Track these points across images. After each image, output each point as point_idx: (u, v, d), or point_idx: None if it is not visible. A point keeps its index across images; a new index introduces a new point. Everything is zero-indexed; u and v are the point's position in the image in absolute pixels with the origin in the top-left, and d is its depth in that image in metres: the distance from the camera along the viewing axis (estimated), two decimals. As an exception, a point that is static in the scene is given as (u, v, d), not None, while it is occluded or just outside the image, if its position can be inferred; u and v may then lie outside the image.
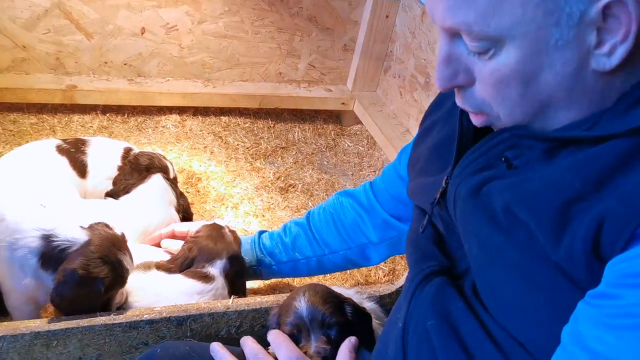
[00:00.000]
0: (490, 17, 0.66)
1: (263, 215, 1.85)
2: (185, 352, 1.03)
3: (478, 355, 0.76)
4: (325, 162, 2.20)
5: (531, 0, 0.64)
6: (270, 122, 2.28)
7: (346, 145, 2.31)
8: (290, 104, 2.26)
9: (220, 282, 1.33)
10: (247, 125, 2.23)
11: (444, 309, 0.81)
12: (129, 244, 1.23)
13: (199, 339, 1.16)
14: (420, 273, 0.87)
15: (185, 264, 1.35)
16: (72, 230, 1.16)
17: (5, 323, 1.08)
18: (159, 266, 1.34)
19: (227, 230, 1.43)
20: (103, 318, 1.11)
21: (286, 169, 2.09)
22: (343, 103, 2.31)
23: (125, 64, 2.06)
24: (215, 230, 1.42)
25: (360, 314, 1.15)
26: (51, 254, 1.14)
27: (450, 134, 0.90)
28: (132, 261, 1.20)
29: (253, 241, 1.45)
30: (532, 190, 0.70)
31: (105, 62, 2.04)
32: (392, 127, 2.16)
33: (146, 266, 1.34)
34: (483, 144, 0.81)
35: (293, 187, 2.02)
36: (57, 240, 1.15)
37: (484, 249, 0.76)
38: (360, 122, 2.34)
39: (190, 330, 1.16)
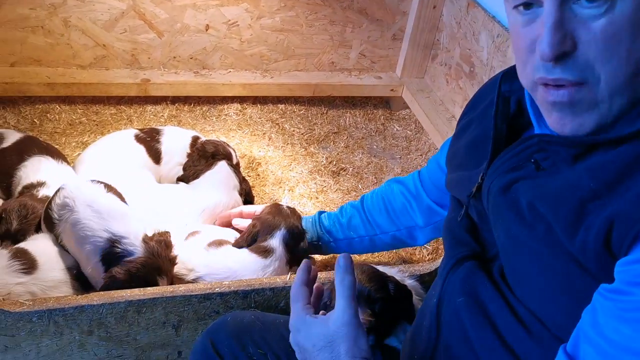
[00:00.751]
0: None
1: (316, 198, 2.02)
2: (250, 320, 1.21)
3: (503, 329, 0.86)
4: (374, 146, 2.34)
5: None
6: (323, 109, 2.44)
7: (395, 129, 2.44)
8: (342, 91, 2.41)
9: (279, 252, 1.52)
10: (302, 112, 2.40)
11: (472, 289, 0.92)
12: (196, 226, 1.44)
13: (261, 309, 1.35)
14: (453, 257, 1.00)
15: (250, 238, 1.55)
16: (133, 243, 1.36)
17: (103, 292, 1.31)
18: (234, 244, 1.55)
19: (285, 207, 1.62)
20: (182, 289, 1.31)
21: (338, 154, 2.25)
22: (392, 89, 2.44)
23: (191, 58, 2.26)
24: (275, 207, 1.61)
25: (402, 290, 1.31)
26: (110, 256, 1.35)
27: (485, 134, 0.99)
28: (169, 282, 1.40)
29: (313, 220, 1.62)
30: (553, 189, 0.79)
31: (174, 57, 2.24)
32: (438, 113, 2.28)
33: (218, 243, 1.54)
34: (515, 146, 0.90)
35: (344, 170, 2.18)
36: (119, 248, 1.35)
37: (511, 239, 0.86)
38: (408, 107, 2.46)
39: (254, 301, 1.35)
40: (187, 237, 1.59)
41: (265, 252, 1.52)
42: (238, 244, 1.55)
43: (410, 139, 2.39)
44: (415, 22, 2.32)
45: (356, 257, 1.75)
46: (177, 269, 1.45)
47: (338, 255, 1.65)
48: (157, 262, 1.38)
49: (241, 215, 1.72)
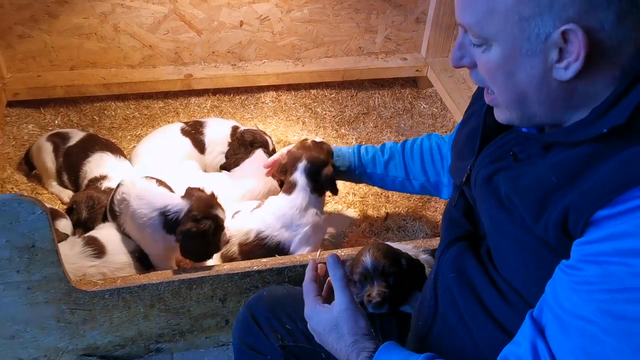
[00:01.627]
0: (483, 23, 0.87)
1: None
2: (283, 294, 1.42)
3: (486, 299, 1.02)
4: (402, 125, 2.49)
5: (511, 19, 0.84)
6: (352, 91, 2.60)
7: (422, 107, 2.58)
8: (369, 74, 2.56)
9: (302, 182, 1.71)
10: (332, 95, 2.57)
11: (461, 266, 1.09)
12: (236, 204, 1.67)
13: (294, 284, 1.56)
14: (448, 238, 1.17)
15: (280, 170, 1.77)
16: (177, 204, 1.58)
17: (160, 272, 1.55)
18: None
19: (310, 141, 1.77)
20: (226, 268, 1.55)
21: (367, 133, 2.42)
22: (417, 70, 2.58)
23: (228, 52, 2.46)
24: (301, 142, 1.79)
25: (414, 264, 1.49)
26: (170, 224, 1.58)
27: (478, 128, 1.18)
28: (224, 211, 1.63)
29: (353, 151, 1.79)
30: (523, 182, 0.94)
31: (213, 52, 2.44)
32: (460, 92, 2.41)
33: (257, 207, 1.79)
34: (498, 141, 1.06)
35: (373, 150, 2.35)
36: (169, 213, 1.58)
37: (493, 223, 1.02)
38: (434, 86, 2.60)
39: (287, 277, 1.57)
40: (233, 215, 1.81)
41: (291, 188, 1.73)
42: (274, 177, 1.80)
43: (436, 116, 2.53)
44: (437, 5, 2.43)
45: (368, 241, 1.94)
46: (238, 238, 1.69)
47: (370, 184, 1.80)
48: (204, 199, 1.60)
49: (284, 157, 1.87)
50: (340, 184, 2.17)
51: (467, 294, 1.06)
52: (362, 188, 2.16)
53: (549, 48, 0.84)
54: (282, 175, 1.77)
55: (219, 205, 1.63)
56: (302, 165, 1.72)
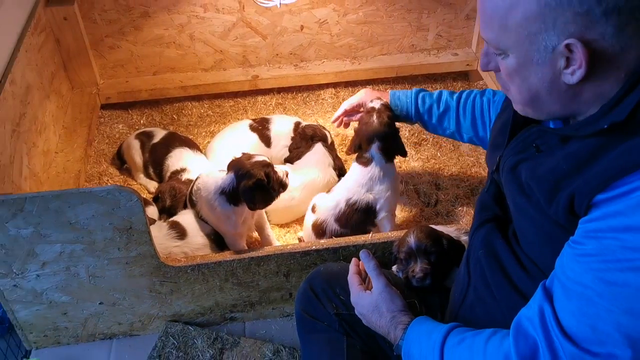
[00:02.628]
0: (499, 38, 1.02)
1: (400, 167, 2.38)
2: (338, 270, 1.63)
3: (510, 271, 1.19)
4: (454, 117, 2.64)
5: (522, 34, 0.98)
6: (406, 86, 2.77)
7: (473, 99, 2.72)
8: (422, 70, 2.72)
9: (377, 158, 1.94)
10: (387, 89, 2.75)
11: (489, 244, 1.26)
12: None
13: (347, 261, 1.76)
14: (479, 219, 1.34)
15: (355, 146, 2.00)
16: (225, 178, 1.82)
17: (233, 251, 1.80)
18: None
19: (374, 118, 1.94)
20: (289, 248, 1.78)
21: (419, 126, 2.58)
22: (468, 64, 2.72)
23: (291, 54, 2.69)
24: (367, 116, 1.97)
25: (454, 245, 1.66)
26: (231, 195, 1.81)
27: (508, 121, 1.34)
28: (262, 155, 1.87)
29: (410, 99, 1.98)
30: (540, 171, 1.06)
31: (277, 54, 2.68)
32: (509, 84, 2.53)
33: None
34: (523, 133, 1.21)
35: (425, 141, 2.52)
36: (225, 189, 1.81)
37: (516, 206, 1.17)
38: (484, 79, 2.73)
39: (342, 256, 1.78)
40: (313, 207, 2.05)
41: (367, 162, 1.97)
42: (348, 150, 2.08)
43: (486, 108, 2.66)
44: (486, 2, 2.55)
45: (411, 224, 2.12)
46: (332, 214, 1.94)
47: None
48: (238, 161, 1.84)
49: (347, 113, 2.11)
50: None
51: (494, 268, 1.22)
52: (415, 177, 2.34)
53: (557, 57, 0.97)
54: (356, 151, 2.01)
55: (253, 155, 1.86)
56: (376, 146, 1.94)
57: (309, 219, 2.02)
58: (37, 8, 2.26)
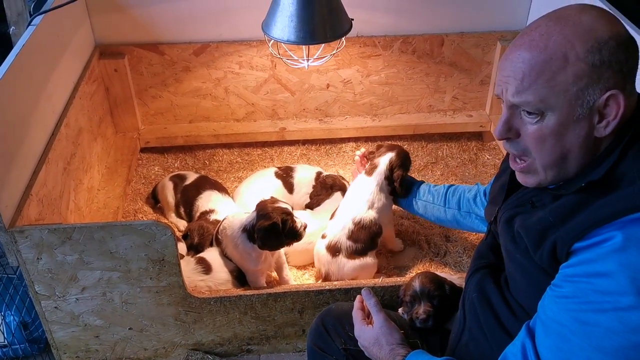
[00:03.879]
0: (543, 98, 1.07)
1: (413, 217, 2.53)
2: (348, 309, 1.73)
3: (500, 314, 1.30)
4: (467, 173, 2.80)
5: (570, 91, 1.05)
6: (423, 143, 2.96)
7: (485, 158, 2.89)
8: (438, 129, 2.91)
9: (381, 167, 2.17)
10: (405, 146, 2.90)
11: (482, 288, 1.39)
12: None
13: (358, 301, 1.92)
14: (475, 266, 1.46)
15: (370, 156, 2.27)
16: (249, 217, 2.01)
17: (253, 287, 1.96)
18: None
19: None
20: (304, 287, 1.93)
21: (434, 180, 2.75)
22: (481, 125, 2.90)
23: (316, 109, 2.91)
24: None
25: (456, 290, 1.79)
26: (251, 234, 1.98)
27: (506, 181, 1.48)
28: (287, 204, 2.03)
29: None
30: (530, 221, 1.18)
31: (304, 109, 2.90)
32: (519, 146, 2.69)
33: None
34: (520, 192, 1.35)
35: (438, 195, 2.68)
36: (248, 226, 1.99)
37: (507, 253, 1.29)
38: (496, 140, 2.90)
39: (353, 296, 1.93)
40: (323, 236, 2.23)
41: (372, 169, 2.19)
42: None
43: (498, 166, 2.81)
44: (499, 70, 2.75)
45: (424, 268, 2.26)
46: (343, 234, 2.14)
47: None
48: (264, 203, 2.02)
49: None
50: (407, 224, 2.51)
51: (486, 310, 1.35)
52: (427, 228, 2.49)
53: (594, 112, 1.07)
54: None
55: (278, 201, 2.03)
56: (388, 155, 2.22)
57: (321, 245, 2.20)
58: (92, 60, 2.53)
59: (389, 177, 2.19)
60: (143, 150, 2.87)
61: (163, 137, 2.83)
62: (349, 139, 2.95)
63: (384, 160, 2.21)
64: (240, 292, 1.92)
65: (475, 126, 2.91)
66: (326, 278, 2.14)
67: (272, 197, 2.08)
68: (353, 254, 2.14)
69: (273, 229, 1.95)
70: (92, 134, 2.49)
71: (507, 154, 1.56)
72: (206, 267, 2.07)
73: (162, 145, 2.87)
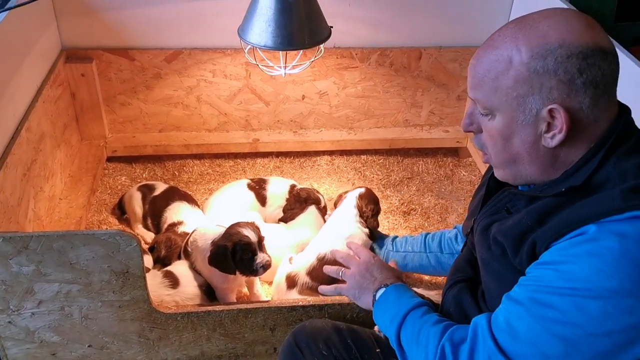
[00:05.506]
0: (489, 98, 1.11)
1: (388, 234, 2.48)
2: (322, 326, 1.68)
3: None
4: (442, 189, 2.77)
5: (510, 95, 1.08)
6: (399, 158, 2.91)
7: (462, 174, 2.86)
8: (414, 143, 2.88)
9: (350, 198, 2.19)
10: (380, 161, 2.89)
11: (459, 302, 1.37)
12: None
13: (334, 319, 1.84)
14: (451, 279, 1.45)
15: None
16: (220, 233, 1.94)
17: (221, 305, 1.87)
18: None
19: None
20: (276, 303, 1.85)
21: (410, 196, 2.70)
22: (458, 141, 2.88)
23: (291, 121, 2.84)
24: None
25: (436, 307, 1.75)
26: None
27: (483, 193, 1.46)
28: (255, 234, 1.92)
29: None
30: (507, 226, 1.18)
31: (278, 121, 2.83)
32: (496, 162, 2.68)
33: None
34: (494, 199, 1.33)
35: (414, 210, 2.63)
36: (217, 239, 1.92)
37: (482, 261, 1.28)
38: (472, 156, 2.88)
39: (327, 313, 1.85)
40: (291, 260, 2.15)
41: (339, 199, 2.22)
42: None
43: (474, 183, 2.79)
44: (476, 85, 2.74)
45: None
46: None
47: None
48: (230, 228, 1.93)
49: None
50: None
51: (462, 323, 1.29)
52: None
53: (539, 121, 1.08)
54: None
55: (251, 228, 1.93)
56: (359, 190, 2.22)
57: (283, 272, 2.11)
58: (57, 64, 2.42)
59: (360, 208, 2.15)
60: (110, 159, 2.76)
61: (131, 146, 2.73)
62: (324, 152, 2.89)
63: (352, 199, 2.18)
64: (208, 307, 1.82)
65: (452, 142, 2.88)
66: None
67: (252, 223, 1.98)
68: (307, 290, 2.05)
69: (222, 253, 1.89)
70: (56, 140, 2.37)
71: (487, 169, 1.56)
72: (173, 281, 1.97)
73: (130, 155, 2.76)
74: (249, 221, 1.98)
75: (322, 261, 2.03)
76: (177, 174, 2.76)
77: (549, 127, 1.08)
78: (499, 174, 1.24)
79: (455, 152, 2.97)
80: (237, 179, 2.68)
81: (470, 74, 1.16)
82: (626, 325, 0.96)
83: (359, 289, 1.57)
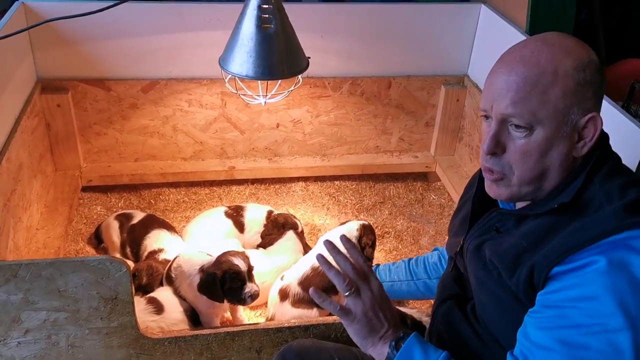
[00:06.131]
0: (536, 111, 1.11)
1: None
2: (309, 345, 1.72)
3: (467, 341, 1.31)
4: (414, 213, 2.86)
5: (559, 107, 1.11)
6: (371, 183, 3.00)
7: (431, 198, 2.96)
8: (385, 169, 2.97)
9: (354, 227, 2.24)
10: (353, 186, 2.98)
11: (450, 320, 1.41)
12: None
13: (319, 338, 1.88)
14: (440, 297, 1.50)
15: None
16: (209, 261, 1.98)
17: (208, 328, 1.89)
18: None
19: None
20: (262, 325, 1.88)
21: (383, 220, 2.79)
22: (427, 166, 2.99)
23: (266, 149, 2.90)
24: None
25: (416, 324, 1.82)
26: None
27: (469, 212, 1.50)
28: (244, 263, 1.97)
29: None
30: (502, 248, 1.20)
31: (253, 149, 2.89)
32: (464, 185, 2.78)
33: None
34: (483, 220, 1.33)
35: (387, 233, 2.71)
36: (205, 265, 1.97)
37: (477, 282, 1.28)
38: (441, 180, 2.99)
39: (312, 333, 1.89)
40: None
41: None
42: None
43: (443, 206, 2.90)
44: (443, 112, 2.88)
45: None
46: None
47: None
48: (219, 257, 1.98)
49: None
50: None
51: (455, 341, 1.37)
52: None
53: (574, 131, 1.13)
54: None
55: (240, 257, 1.98)
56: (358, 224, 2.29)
57: (276, 286, 2.17)
58: (34, 95, 2.43)
59: (360, 236, 2.23)
60: (85, 189, 2.76)
61: (107, 176, 2.73)
62: (298, 179, 2.96)
63: (356, 224, 2.26)
64: (196, 331, 1.84)
65: (421, 167, 2.99)
66: (272, 320, 2.11)
67: (242, 252, 2.04)
68: (299, 302, 2.10)
69: (212, 280, 1.93)
70: (32, 171, 2.37)
71: (469, 184, 1.63)
72: (158, 307, 1.98)
73: (106, 184, 2.76)
74: (239, 251, 2.03)
75: (316, 271, 2.08)
76: (153, 202, 2.77)
77: (580, 137, 1.14)
78: (506, 194, 1.23)
79: (424, 177, 3.08)
80: (213, 206, 2.72)
81: (509, 90, 1.14)
82: None
83: (368, 329, 1.27)
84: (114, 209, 2.68)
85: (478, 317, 1.33)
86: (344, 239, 1.38)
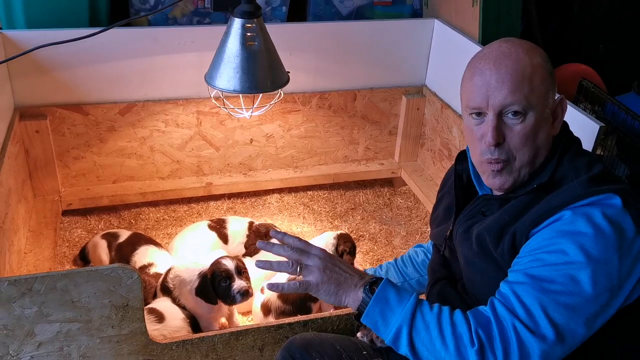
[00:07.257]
0: (528, 97, 1.28)
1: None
2: (311, 337, 1.83)
3: None
4: (384, 216, 3.04)
5: (541, 91, 1.29)
6: (341, 191, 3.17)
7: (398, 202, 3.15)
8: (354, 177, 3.14)
9: (331, 235, 2.36)
10: (325, 195, 3.13)
11: (445, 297, 1.55)
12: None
13: (318, 331, 2.00)
14: (432, 279, 1.65)
15: None
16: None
17: (213, 331, 1.98)
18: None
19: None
20: (264, 323, 1.99)
21: (356, 224, 2.95)
22: (393, 172, 3.18)
23: (240, 164, 3.02)
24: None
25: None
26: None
27: (452, 201, 1.64)
28: (236, 266, 2.09)
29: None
30: (488, 224, 1.36)
31: (228, 164, 3.00)
32: (429, 187, 3.00)
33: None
34: (470, 206, 1.50)
35: (362, 237, 2.87)
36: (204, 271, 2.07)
37: (466, 261, 1.45)
38: (407, 184, 3.19)
39: (311, 328, 2.01)
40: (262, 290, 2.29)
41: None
42: None
43: (411, 208, 3.09)
44: (405, 121, 3.08)
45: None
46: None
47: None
48: (213, 263, 2.09)
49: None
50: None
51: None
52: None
53: (551, 113, 1.33)
54: None
55: (231, 259, 2.10)
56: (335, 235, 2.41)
57: (258, 302, 2.27)
58: (14, 122, 2.47)
59: (337, 244, 2.36)
60: (65, 212, 2.79)
61: (86, 199, 2.77)
62: (273, 191, 3.09)
63: (332, 234, 2.39)
64: (201, 334, 1.93)
65: (387, 173, 3.18)
66: None
67: (236, 256, 2.16)
68: (282, 314, 2.21)
69: (204, 282, 2.05)
70: (18, 196, 2.40)
71: (443, 181, 1.80)
72: (159, 316, 2.06)
73: (86, 207, 2.80)
74: (233, 256, 2.14)
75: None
76: (133, 222, 2.83)
77: (554, 116, 1.33)
78: (513, 178, 1.37)
79: (390, 183, 3.27)
80: (193, 222, 2.80)
81: (503, 82, 1.29)
82: (605, 288, 1.18)
83: (335, 285, 1.34)
84: (95, 231, 2.72)
85: (468, 292, 1.51)
86: (274, 232, 1.49)
